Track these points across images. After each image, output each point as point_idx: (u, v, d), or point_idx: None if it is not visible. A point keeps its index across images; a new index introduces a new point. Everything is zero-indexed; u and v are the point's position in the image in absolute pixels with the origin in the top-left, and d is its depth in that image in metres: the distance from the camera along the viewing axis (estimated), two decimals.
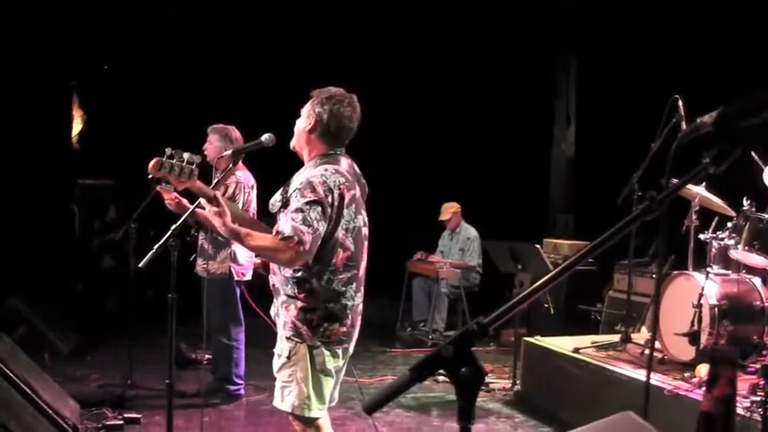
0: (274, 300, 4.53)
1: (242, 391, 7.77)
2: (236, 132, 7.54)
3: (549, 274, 1.61)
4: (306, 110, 4.45)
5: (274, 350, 4.46)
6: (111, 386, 7.97)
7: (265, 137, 4.77)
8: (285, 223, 4.17)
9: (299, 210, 4.16)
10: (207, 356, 8.20)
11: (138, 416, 7.02)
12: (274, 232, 4.20)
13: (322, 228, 4.20)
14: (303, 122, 4.44)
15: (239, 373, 7.69)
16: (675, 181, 1.63)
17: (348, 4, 13.38)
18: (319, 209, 4.18)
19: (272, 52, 13.42)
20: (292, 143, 4.53)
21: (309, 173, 4.32)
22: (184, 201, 7.02)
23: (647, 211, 1.54)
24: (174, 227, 4.90)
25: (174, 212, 6.76)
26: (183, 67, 13.37)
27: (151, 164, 4.39)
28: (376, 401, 1.59)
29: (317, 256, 4.24)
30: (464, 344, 1.51)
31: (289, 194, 4.33)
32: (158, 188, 7.11)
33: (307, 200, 4.18)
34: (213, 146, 7.46)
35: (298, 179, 4.39)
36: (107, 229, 12.08)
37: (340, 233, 4.33)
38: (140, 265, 4.85)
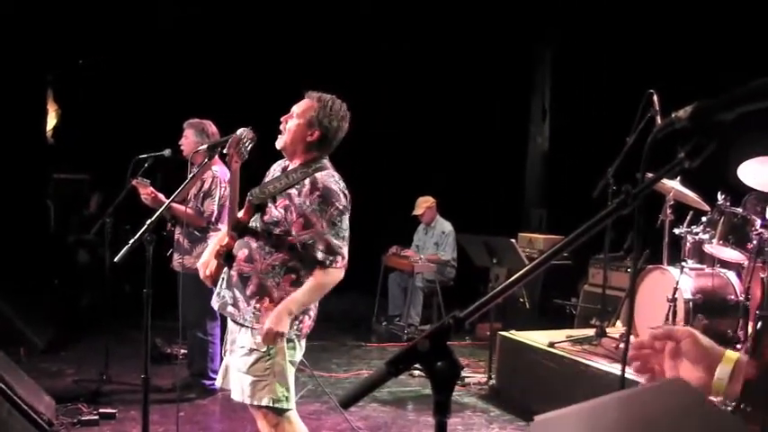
0: (229, 290, 4.48)
1: (217, 386, 7.75)
2: (212, 127, 7.53)
3: (524, 269, 1.61)
4: (307, 116, 4.45)
5: (239, 345, 4.45)
6: (86, 381, 7.92)
7: (240, 131, 4.77)
8: (319, 241, 4.28)
9: (331, 224, 4.30)
10: (182, 351, 8.18)
11: (114, 411, 6.99)
12: (317, 256, 4.30)
13: (347, 233, 4.39)
14: (303, 129, 4.45)
15: (215, 367, 7.67)
16: (650, 175, 1.63)
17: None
18: (346, 217, 4.38)
19: (256, 49, 13.41)
20: (283, 143, 4.51)
21: (320, 179, 4.37)
22: (160, 195, 7.03)
23: (622, 206, 1.55)
24: (149, 221, 4.89)
25: (150, 207, 6.75)
26: (159, 61, 13.32)
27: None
28: (352, 396, 1.60)
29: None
30: (440, 338, 1.52)
31: (280, 192, 4.39)
32: (134, 182, 7.12)
33: (337, 210, 4.33)
34: (189, 140, 7.44)
35: (290, 178, 4.43)
36: (85, 223, 12.01)
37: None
38: (116, 259, 4.85)
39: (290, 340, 4.39)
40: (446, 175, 13.51)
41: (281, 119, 4.51)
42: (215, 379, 7.68)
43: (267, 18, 13.26)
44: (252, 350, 4.36)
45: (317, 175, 4.38)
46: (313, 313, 4.52)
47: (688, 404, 1.44)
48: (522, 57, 13.86)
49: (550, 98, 14.11)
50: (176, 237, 7.52)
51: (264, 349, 4.32)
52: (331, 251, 4.27)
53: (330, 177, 4.40)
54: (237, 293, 4.43)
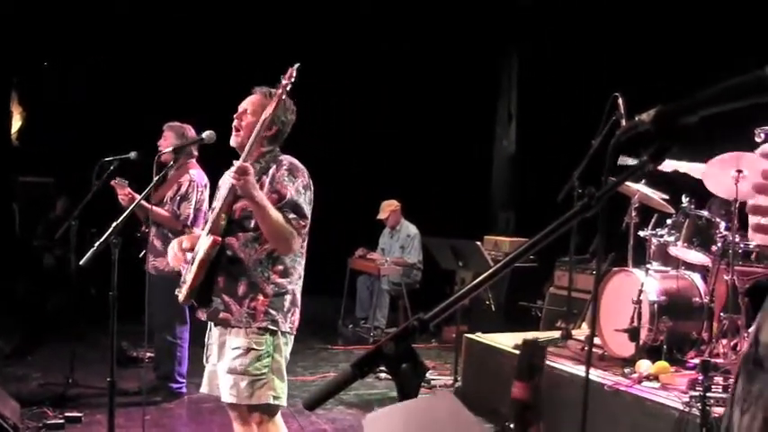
0: (218, 297, 4.43)
1: (184, 390, 7.73)
2: (191, 131, 7.51)
3: (487, 272, 1.62)
4: (265, 112, 4.43)
5: (232, 347, 4.41)
6: (52, 385, 7.87)
7: (206, 134, 4.82)
8: (288, 205, 4.32)
9: (297, 192, 4.35)
10: (149, 354, 8.14)
11: (80, 415, 6.96)
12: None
13: (309, 211, 4.43)
14: (260, 125, 4.43)
15: (182, 371, 7.65)
16: (613, 178, 1.64)
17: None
18: (309, 192, 4.44)
19: (216, 50, 13.36)
20: (239, 140, 4.51)
21: (284, 159, 4.48)
22: (138, 196, 6.98)
23: (585, 209, 1.55)
24: (114, 224, 4.87)
25: (123, 209, 6.73)
26: (125, 63, 13.23)
27: None
28: (316, 398, 1.59)
29: None
30: (405, 340, 1.52)
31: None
32: (113, 183, 7.08)
33: (300, 182, 4.39)
34: (168, 143, 7.41)
35: (255, 168, 4.42)
36: (50, 227, 11.93)
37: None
38: (81, 263, 4.83)
39: (284, 335, 4.43)
40: (412, 178, 13.52)
41: (234, 116, 4.51)
42: (182, 383, 7.67)
43: (215, 20, 13.22)
44: (249, 350, 4.34)
45: (281, 158, 4.48)
46: (299, 304, 4.55)
47: (453, 418, 1.48)
48: (488, 60, 13.90)
49: (517, 101, 14.16)
50: (150, 238, 7.49)
51: (263, 348, 4.34)
52: (298, 213, 4.32)
53: (293, 159, 4.52)
54: (227, 298, 4.40)
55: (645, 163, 1.51)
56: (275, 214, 4.22)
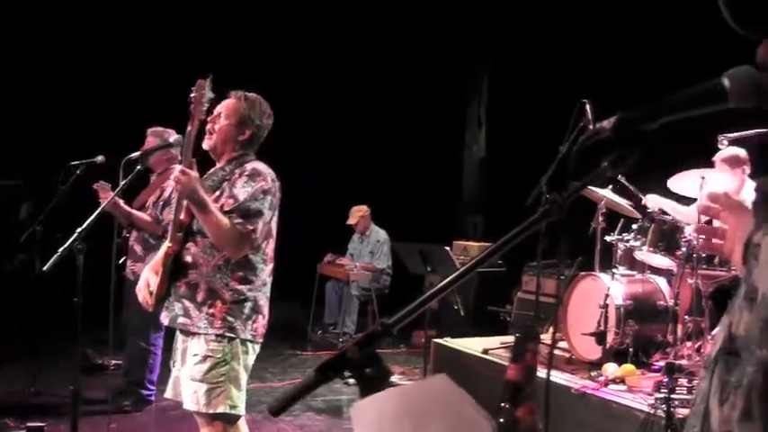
0: (178, 302, 4.41)
1: (153, 397, 7.67)
2: (173, 136, 7.47)
3: (450, 277, 1.63)
4: (238, 116, 4.48)
5: (191, 354, 4.37)
6: (14, 394, 7.79)
7: (173, 138, 4.82)
8: (236, 210, 4.27)
9: (252, 197, 4.30)
10: (114, 362, 8.08)
11: (43, 424, 6.84)
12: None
13: (269, 216, 4.37)
14: (234, 129, 4.47)
15: (152, 378, 7.59)
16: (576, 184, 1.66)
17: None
18: (270, 197, 4.37)
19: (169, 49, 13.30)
20: (213, 144, 4.50)
21: (249, 165, 4.44)
22: (121, 202, 6.95)
23: (548, 214, 1.57)
24: (79, 229, 4.85)
25: (108, 211, 6.71)
26: (92, 64, 13.12)
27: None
28: (281, 403, 1.59)
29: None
30: (369, 344, 1.52)
31: (214, 189, 4.40)
32: (95, 186, 7.02)
33: (259, 187, 4.33)
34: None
35: (225, 170, 4.47)
36: (18, 230, 11.83)
37: (274, 223, 4.48)
38: (44, 268, 4.79)
39: (243, 343, 4.37)
40: (382, 184, 13.53)
41: (208, 120, 4.49)
42: (152, 390, 7.62)
43: (186, 22, 13.16)
44: (206, 357, 4.30)
45: (247, 164, 4.44)
46: (266, 312, 4.50)
47: (448, 401, 1.49)
48: (458, 66, 13.93)
49: (486, 107, 14.20)
50: (131, 243, 7.44)
51: (220, 355, 4.29)
52: (247, 218, 4.27)
53: (259, 163, 4.48)
54: (187, 303, 4.36)
55: (605, 169, 1.53)
56: (218, 218, 4.19)
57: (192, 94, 4.33)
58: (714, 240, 1.94)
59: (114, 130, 7.60)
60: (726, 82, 1.48)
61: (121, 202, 6.99)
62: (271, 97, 4.60)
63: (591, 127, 6.89)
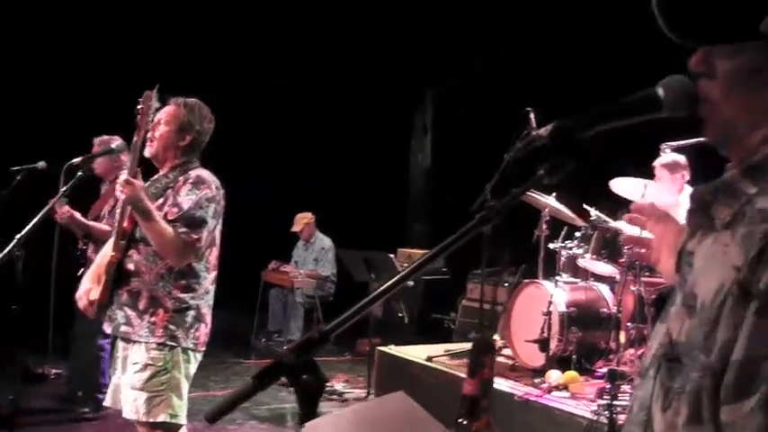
0: (120, 310, 4.35)
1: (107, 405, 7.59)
2: (116, 142, 7.41)
3: (387, 284, 1.63)
4: (178, 122, 4.47)
5: (132, 362, 4.33)
6: None
7: (116, 144, 4.79)
8: (181, 219, 4.25)
9: (197, 205, 4.28)
10: (54, 371, 7.98)
11: None
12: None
13: (213, 224, 4.35)
14: (175, 135, 4.46)
15: (106, 381, 7.52)
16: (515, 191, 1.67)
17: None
18: (214, 205, 4.35)
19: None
20: (155, 151, 4.48)
21: (193, 172, 4.43)
22: (77, 214, 6.90)
23: (485, 220, 1.58)
24: (18, 236, 4.79)
25: (65, 227, 6.67)
26: (39, 68, 12.94)
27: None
28: (217, 410, 1.58)
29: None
30: (306, 351, 1.52)
31: (158, 196, 4.37)
32: (51, 202, 6.93)
33: (203, 195, 4.32)
34: (101, 158, 7.31)
35: (169, 177, 4.45)
36: None
37: (217, 231, 4.46)
38: None
39: (185, 352, 4.33)
40: (327, 191, 13.51)
41: (150, 127, 4.46)
42: (104, 394, 7.53)
43: (130, 26, 13.03)
44: (147, 365, 4.25)
45: (191, 172, 4.43)
46: (209, 320, 4.47)
47: (406, 417, 1.51)
48: (404, 74, 13.95)
49: (432, 115, 14.24)
50: (89, 254, 7.35)
51: (160, 364, 4.25)
52: (192, 227, 4.25)
53: (203, 171, 4.47)
54: (129, 311, 4.32)
55: (541, 177, 1.54)
56: (162, 227, 4.17)
57: (139, 106, 4.31)
58: (641, 250, 2.02)
59: (59, 136, 7.49)
60: (660, 91, 1.50)
61: (77, 214, 6.95)
62: (218, 104, 4.58)
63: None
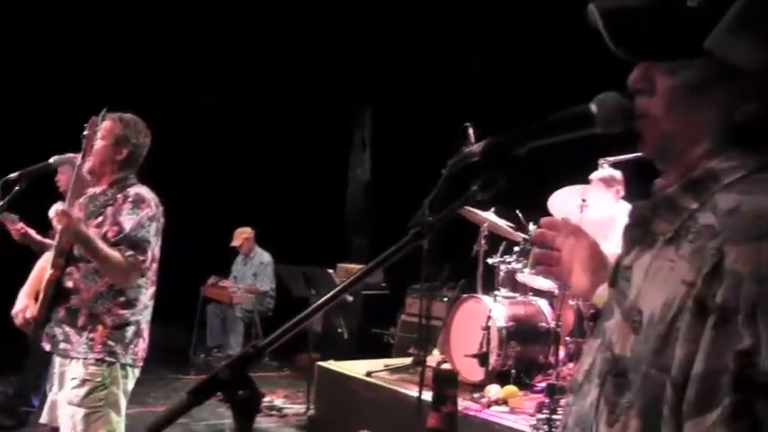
0: (59, 327, 4.31)
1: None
2: (55, 157, 7.33)
3: (322, 299, 1.63)
4: (113, 136, 4.46)
5: (70, 377, 4.28)
6: None
7: (53, 159, 4.78)
8: (125, 240, 4.23)
9: (139, 225, 4.28)
10: None
11: None
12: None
13: (154, 242, 4.35)
14: (111, 149, 4.46)
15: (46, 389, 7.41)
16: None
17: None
18: (155, 224, 4.36)
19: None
20: (92, 166, 4.44)
21: (131, 190, 4.41)
22: (31, 231, 6.83)
23: (419, 237, 1.58)
24: None
25: (21, 242, 6.60)
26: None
27: None
28: (154, 426, 1.57)
29: None
30: (241, 367, 1.51)
31: (96, 214, 4.36)
32: (1, 218, 6.86)
33: (144, 214, 4.32)
34: (65, 176, 7.21)
35: (107, 195, 4.43)
36: None
37: (157, 247, 4.44)
38: None
39: (128, 365, 4.32)
40: (266, 206, 13.45)
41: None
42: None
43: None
44: (85, 381, 4.22)
45: (130, 189, 4.41)
46: (146, 335, 4.45)
47: None
48: (342, 88, 13.95)
49: (371, 129, 14.26)
50: None
51: (99, 380, 4.22)
52: (136, 248, 4.24)
53: (142, 188, 4.46)
54: (68, 328, 4.29)
55: (474, 193, 1.54)
56: (106, 252, 4.16)
57: (85, 132, 4.29)
58: (549, 268, 1.99)
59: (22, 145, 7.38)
60: (593, 107, 1.50)
61: (32, 231, 6.90)
62: (156, 117, 4.55)
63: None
